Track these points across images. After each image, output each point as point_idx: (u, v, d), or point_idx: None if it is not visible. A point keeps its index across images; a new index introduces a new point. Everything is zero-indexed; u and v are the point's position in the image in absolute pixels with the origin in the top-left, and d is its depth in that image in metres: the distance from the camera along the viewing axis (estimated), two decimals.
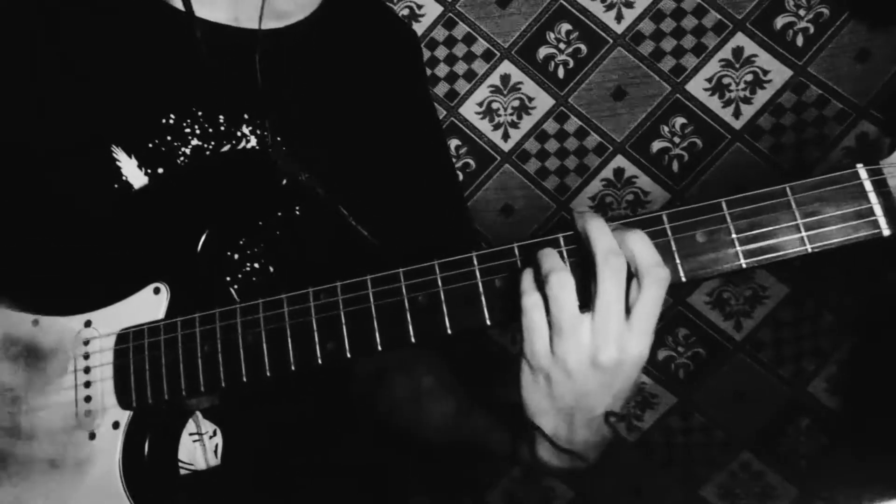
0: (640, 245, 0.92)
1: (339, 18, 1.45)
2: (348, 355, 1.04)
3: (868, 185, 0.92)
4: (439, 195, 1.51)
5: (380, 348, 1.03)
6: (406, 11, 2.31)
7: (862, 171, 0.92)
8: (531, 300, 0.95)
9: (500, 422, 1.19)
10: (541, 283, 0.94)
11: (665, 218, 0.96)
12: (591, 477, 1.14)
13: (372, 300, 1.03)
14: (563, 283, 0.93)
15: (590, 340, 0.93)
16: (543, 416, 1.01)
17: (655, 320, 0.93)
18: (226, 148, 1.29)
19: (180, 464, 1.19)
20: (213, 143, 1.29)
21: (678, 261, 0.95)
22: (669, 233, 0.96)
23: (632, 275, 0.93)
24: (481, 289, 1.00)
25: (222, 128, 1.30)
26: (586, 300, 0.94)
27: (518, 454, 1.12)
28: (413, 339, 1.02)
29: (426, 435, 1.35)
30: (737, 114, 2.15)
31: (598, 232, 0.93)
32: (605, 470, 1.12)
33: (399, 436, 1.40)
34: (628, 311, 0.93)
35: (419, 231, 1.41)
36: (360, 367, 1.47)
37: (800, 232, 0.93)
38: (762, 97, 2.14)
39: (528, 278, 0.96)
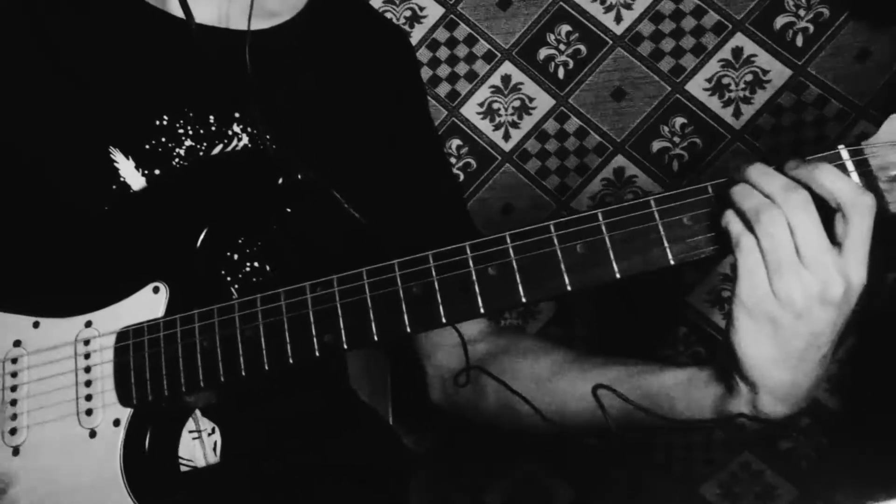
0: (833, 177, 0.91)
1: (327, 18, 1.45)
2: (345, 347, 1.05)
3: (850, 166, 0.93)
4: (435, 192, 1.52)
5: (376, 339, 1.04)
6: (408, 13, 2.32)
7: (844, 152, 0.94)
8: (750, 241, 0.93)
9: (686, 383, 1.12)
10: (747, 222, 0.93)
11: (653, 203, 0.98)
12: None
13: (367, 291, 1.04)
14: (776, 219, 0.91)
15: (812, 277, 0.91)
16: (768, 365, 0.97)
17: (868, 246, 0.91)
18: (218, 147, 1.30)
19: (180, 461, 1.19)
20: (205, 143, 1.30)
21: (666, 245, 0.96)
22: (657, 216, 0.97)
23: (831, 209, 0.91)
24: (475, 277, 1.01)
25: (213, 128, 1.30)
26: None
27: (724, 410, 1.06)
28: (409, 329, 1.03)
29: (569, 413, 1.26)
30: (737, 114, 2.16)
31: (762, 175, 0.93)
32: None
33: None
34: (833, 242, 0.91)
35: (416, 227, 1.41)
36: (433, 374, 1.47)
37: None
38: (762, 97, 2.14)
39: (735, 219, 0.94)
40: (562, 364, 1.30)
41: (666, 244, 0.96)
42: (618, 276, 0.98)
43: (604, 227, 0.99)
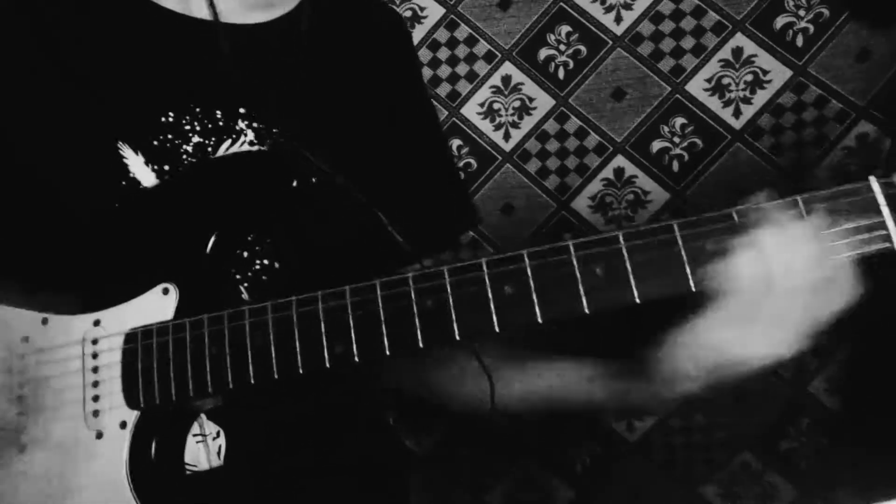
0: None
1: (325, 10, 1.45)
2: (356, 359, 1.04)
3: (881, 199, 0.91)
4: (436, 175, 1.52)
5: (388, 352, 1.03)
6: (408, 13, 2.32)
7: (875, 185, 0.91)
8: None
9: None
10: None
11: (676, 227, 0.96)
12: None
13: (380, 304, 1.03)
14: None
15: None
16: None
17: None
18: (226, 143, 1.30)
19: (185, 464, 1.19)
20: (213, 138, 1.29)
21: (688, 271, 0.95)
22: (680, 242, 0.95)
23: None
24: (490, 294, 1.00)
25: (220, 123, 1.30)
26: None
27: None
28: (421, 344, 1.02)
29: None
30: (737, 114, 2.16)
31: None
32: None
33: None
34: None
35: (419, 211, 1.41)
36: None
37: None
38: (762, 97, 2.15)
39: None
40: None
41: (688, 270, 0.95)
42: (637, 300, 0.97)
43: (625, 251, 0.97)
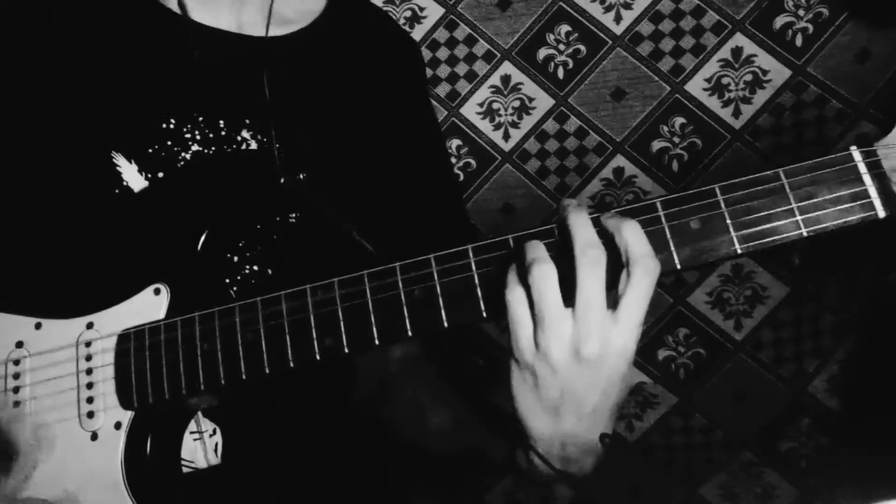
0: (633, 235, 0.92)
1: (341, 27, 1.45)
2: (346, 350, 1.04)
3: (862, 168, 0.92)
4: (440, 201, 1.52)
5: (377, 342, 1.03)
6: (408, 13, 2.32)
7: (856, 154, 0.92)
8: (514, 294, 0.95)
9: (497, 429, 1.18)
10: (524, 276, 0.94)
11: (659, 205, 0.96)
12: (590, 482, 1.12)
13: (369, 295, 1.04)
14: (544, 274, 0.93)
15: (571, 333, 0.93)
16: (532, 415, 1.01)
17: (643, 312, 0.93)
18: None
19: (181, 462, 1.19)
20: (213, 148, 1.29)
21: (673, 248, 0.95)
22: (664, 220, 0.96)
23: (622, 265, 0.92)
24: (477, 281, 1.00)
25: (223, 132, 1.30)
26: (572, 292, 0.94)
27: (515, 460, 1.11)
28: (410, 333, 1.02)
29: (427, 443, 1.35)
30: (736, 114, 2.16)
31: (577, 223, 0.94)
32: (605, 475, 1.12)
33: (401, 443, 1.40)
34: (616, 303, 0.92)
35: (419, 235, 1.41)
36: (362, 376, 1.47)
37: (795, 216, 0.93)
38: (762, 97, 2.15)
39: (513, 272, 0.96)
40: (433, 398, 1.37)
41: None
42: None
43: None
